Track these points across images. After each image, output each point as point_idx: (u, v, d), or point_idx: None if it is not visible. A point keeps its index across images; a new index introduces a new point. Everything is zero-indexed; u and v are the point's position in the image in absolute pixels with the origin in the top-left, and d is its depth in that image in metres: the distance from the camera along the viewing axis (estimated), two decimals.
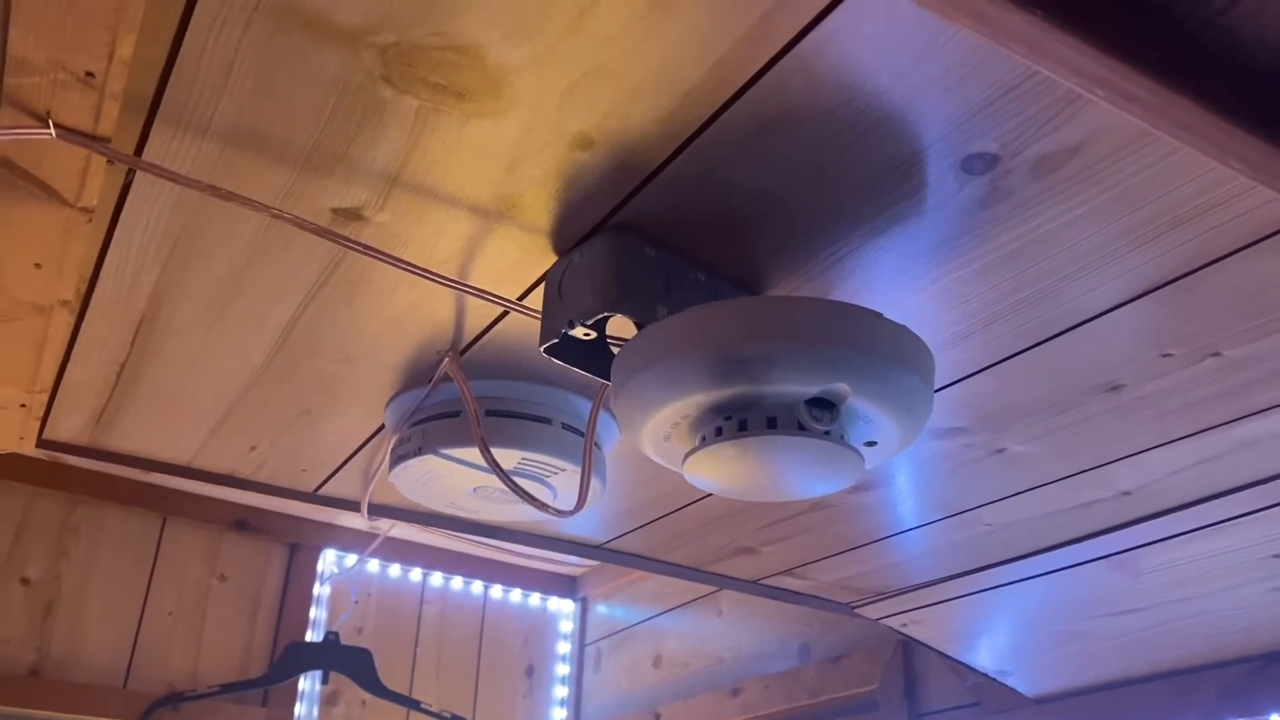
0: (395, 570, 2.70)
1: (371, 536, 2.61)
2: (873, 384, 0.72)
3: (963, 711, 1.74)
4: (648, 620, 2.65)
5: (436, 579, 2.75)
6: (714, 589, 2.45)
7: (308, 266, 0.87)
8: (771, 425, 0.73)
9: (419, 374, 1.03)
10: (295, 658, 2.41)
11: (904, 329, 0.73)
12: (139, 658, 2.34)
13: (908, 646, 1.87)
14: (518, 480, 1.05)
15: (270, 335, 0.97)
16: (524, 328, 0.94)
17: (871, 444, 0.78)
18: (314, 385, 1.05)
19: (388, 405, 1.08)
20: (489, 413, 1.02)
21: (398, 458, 1.05)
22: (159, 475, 2.40)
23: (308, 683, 2.46)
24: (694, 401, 0.74)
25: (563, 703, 2.79)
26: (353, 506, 1.33)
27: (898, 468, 1.17)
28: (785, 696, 2.08)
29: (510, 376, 1.03)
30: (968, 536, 1.34)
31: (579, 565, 2.86)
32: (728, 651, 2.33)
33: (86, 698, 2.25)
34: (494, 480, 1.06)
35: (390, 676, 2.54)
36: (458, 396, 1.04)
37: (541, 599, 2.88)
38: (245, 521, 2.55)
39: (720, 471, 0.78)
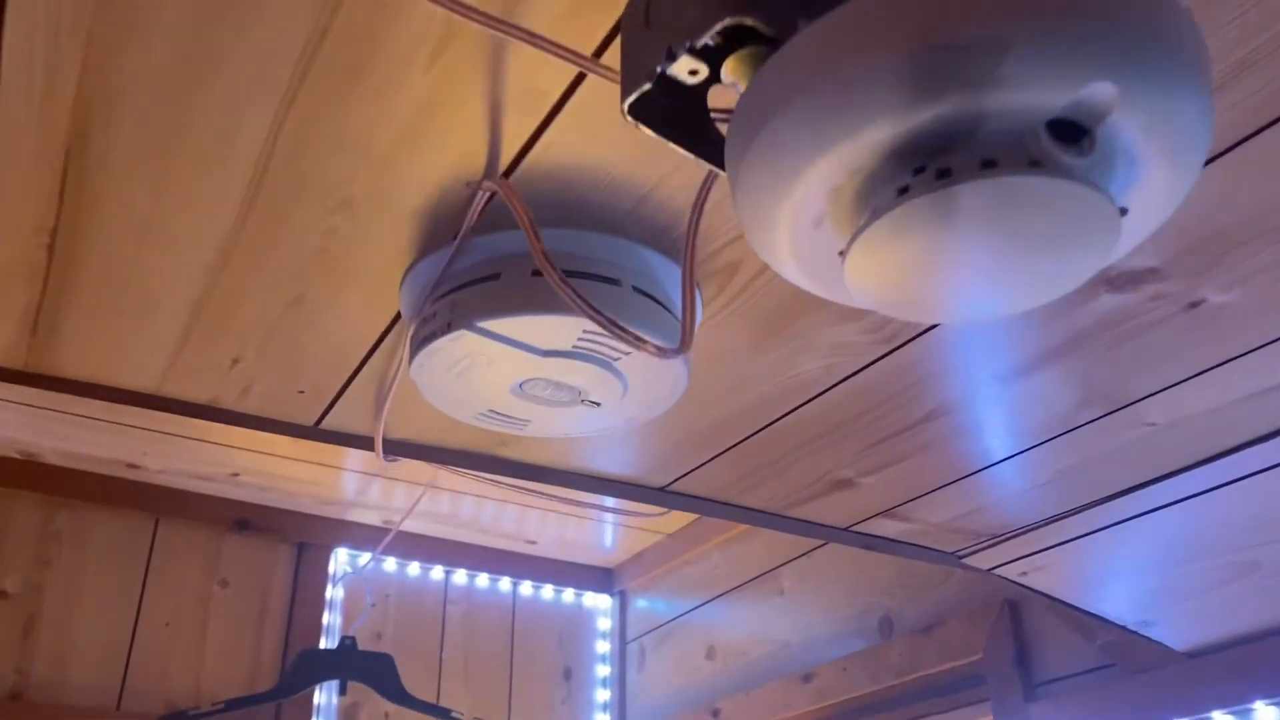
0: (414, 569, 2.45)
1: (387, 533, 2.35)
2: (1147, 93, 0.47)
3: (1093, 676, 1.48)
4: (696, 609, 2.39)
5: (460, 577, 2.49)
6: (771, 567, 2.19)
7: (284, 43, 0.62)
8: (989, 167, 0.48)
9: (442, 227, 0.78)
10: (309, 667, 2.15)
11: (1187, 14, 0.49)
12: (134, 675, 2.08)
13: (1016, 606, 1.61)
14: (577, 363, 0.80)
15: (243, 168, 0.72)
16: (581, 139, 0.70)
17: (1124, 211, 0.53)
18: (307, 251, 0.80)
19: (404, 279, 0.84)
20: (535, 273, 0.78)
21: (421, 341, 0.80)
22: (148, 471, 2.15)
23: (324, 695, 2.20)
24: (869, 141, 0.49)
25: (605, 706, 2.52)
26: (364, 443, 1.08)
27: (1049, 344, 0.92)
28: (868, 678, 1.82)
29: (564, 224, 0.78)
30: (1122, 444, 1.09)
31: (614, 555, 2.60)
32: (794, 634, 2.07)
33: None
34: (545, 367, 0.81)
35: (415, 684, 2.28)
36: (495, 255, 0.79)
37: (575, 595, 2.62)
38: (247, 521, 2.30)
39: (903, 261, 0.53)
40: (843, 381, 0.99)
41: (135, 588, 2.16)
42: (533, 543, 2.52)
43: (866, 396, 1.02)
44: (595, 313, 0.60)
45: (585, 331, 0.77)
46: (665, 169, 0.72)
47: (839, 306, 0.87)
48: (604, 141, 0.70)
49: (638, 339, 0.60)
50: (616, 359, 0.81)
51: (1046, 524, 1.28)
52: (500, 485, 2.17)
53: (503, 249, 0.79)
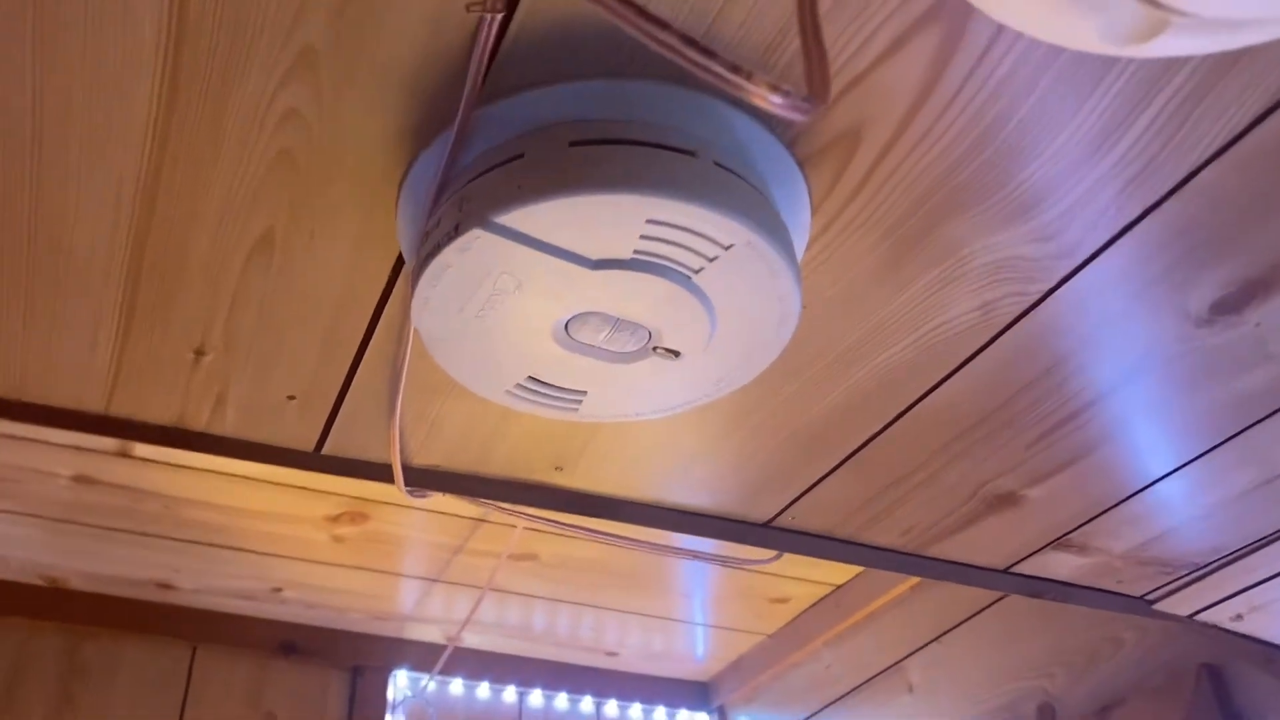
0: (484, 690, 2.16)
1: (454, 653, 2.08)
2: None
3: None
4: None
5: (536, 698, 2.20)
6: (895, 660, 1.87)
7: None
8: None
9: (442, 94, 0.56)
10: None
11: None
12: None
13: (1218, 672, 1.28)
14: (642, 280, 0.56)
15: (152, 15, 0.51)
16: None
17: None
18: (261, 152, 0.58)
19: (400, 193, 0.61)
20: (575, 143, 0.55)
21: (422, 264, 0.57)
22: (181, 591, 1.92)
23: None
24: None
25: None
26: (381, 473, 0.84)
27: None
28: None
29: (616, 73, 0.55)
30: None
31: (708, 665, 2.29)
32: None
33: None
34: (599, 292, 0.57)
35: None
36: (517, 130, 0.56)
37: (668, 713, 2.30)
38: (294, 644, 2.05)
39: None
40: (1003, 333, 0.74)
41: None
42: (614, 654, 2.23)
43: (1032, 361, 0.76)
44: (653, 24, 0.35)
45: (650, 222, 0.54)
46: None
47: (1004, 199, 0.63)
48: None
49: (734, 69, 0.35)
50: (697, 270, 0.56)
51: (1271, 542, 0.98)
52: (565, 577, 1.90)
53: (527, 118, 0.56)
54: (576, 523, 1.01)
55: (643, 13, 0.37)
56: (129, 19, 0.51)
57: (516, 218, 0.53)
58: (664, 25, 0.36)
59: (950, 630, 1.75)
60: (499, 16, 0.50)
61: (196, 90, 0.54)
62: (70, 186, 0.60)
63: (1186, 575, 1.05)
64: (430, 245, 0.56)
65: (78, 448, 1.45)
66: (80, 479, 1.61)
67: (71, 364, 0.72)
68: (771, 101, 0.35)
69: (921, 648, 1.80)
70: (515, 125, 0.56)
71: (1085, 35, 0.38)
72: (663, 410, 0.68)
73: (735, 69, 0.35)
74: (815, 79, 0.34)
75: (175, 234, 0.63)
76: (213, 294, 0.67)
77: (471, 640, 2.12)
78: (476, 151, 0.57)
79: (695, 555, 1.62)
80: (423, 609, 2.04)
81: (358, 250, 0.65)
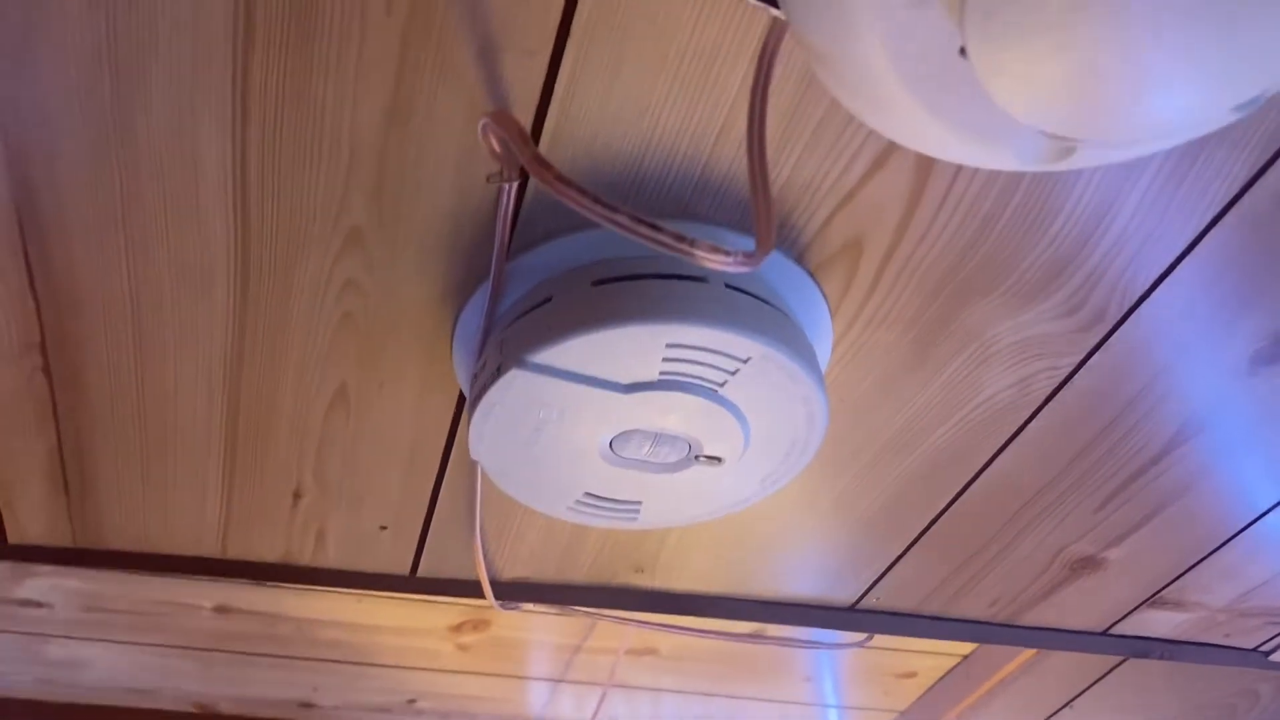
0: None
1: None
2: None
3: None
4: None
5: None
6: None
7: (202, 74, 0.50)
8: None
9: (478, 253, 0.63)
10: None
11: None
12: None
13: None
14: (672, 397, 0.61)
15: (216, 203, 0.59)
16: (605, 79, 0.54)
17: None
18: (328, 319, 0.66)
19: (454, 339, 0.68)
20: (597, 283, 0.60)
21: (473, 404, 0.63)
22: (322, 709, 2.01)
23: None
24: None
25: None
26: (472, 590, 0.89)
27: None
28: None
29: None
30: None
31: None
32: None
33: None
34: (635, 412, 0.62)
35: None
36: (545, 276, 0.62)
37: None
38: None
39: (1051, 28, 0.33)
40: (1047, 403, 0.76)
41: None
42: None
43: (1085, 423, 0.78)
44: (606, 208, 0.41)
45: (670, 346, 0.59)
46: (724, 98, 0.54)
47: (1016, 282, 0.66)
48: (632, 72, 0.53)
49: (678, 238, 0.40)
50: (720, 384, 0.61)
51: None
52: (687, 669, 1.92)
53: (553, 265, 0.62)
54: (665, 621, 1.05)
55: (598, 200, 0.43)
56: (201, 217, 0.59)
57: (550, 355, 0.59)
58: (614, 209, 0.42)
59: (1081, 694, 1.70)
60: (515, 184, 0.56)
61: (266, 274, 0.62)
62: (169, 364, 0.68)
63: None
64: (479, 386, 0.62)
65: (216, 579, 1.55)
66: (220, 609, 1.71)
67: (187, 516, 0.80)
68: (715, 261, 0.40)
69: (1054, 714, 1.76)
70: (543, 272, 0.62)
71: (1007, 161, 0.42)
72: (716, 512, 0.72)
73: (679, 239, 0.41)
74: (761, 230, 0.39)
75: (263, 398, 0.70)
76: (301, 445, 0.74)
77: None
78: (512, 298, 0.63)
79: (784, 642, 1.63)
80: (552, 710, 2.07)
81: (423, 394, 0.72)
